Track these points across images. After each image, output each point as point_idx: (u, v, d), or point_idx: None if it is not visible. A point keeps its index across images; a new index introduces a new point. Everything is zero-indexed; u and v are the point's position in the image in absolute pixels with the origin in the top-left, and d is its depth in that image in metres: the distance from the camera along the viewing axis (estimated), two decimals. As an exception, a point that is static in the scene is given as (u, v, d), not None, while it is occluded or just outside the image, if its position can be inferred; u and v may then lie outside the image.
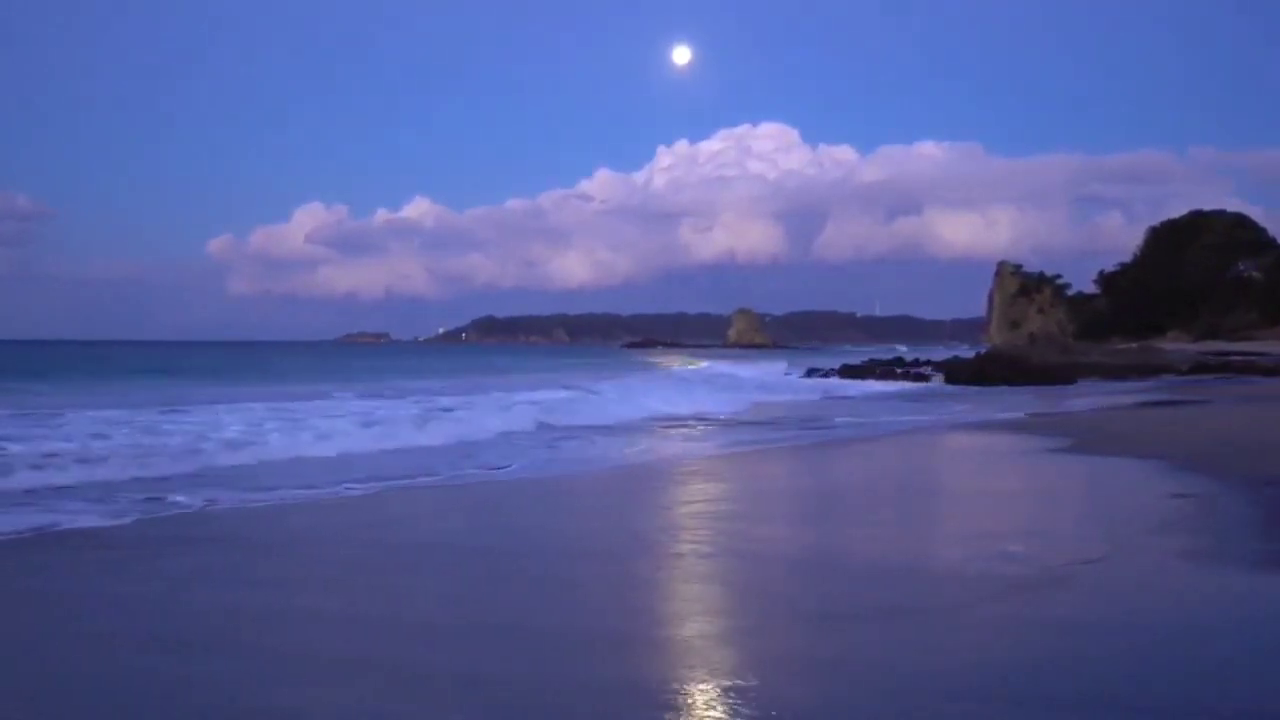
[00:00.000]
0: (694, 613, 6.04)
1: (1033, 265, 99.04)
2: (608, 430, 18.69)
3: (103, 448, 13.57)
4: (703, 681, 4.58)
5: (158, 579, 6.78)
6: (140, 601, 6.24)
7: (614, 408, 23.19)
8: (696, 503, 10.79)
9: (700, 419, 21.95)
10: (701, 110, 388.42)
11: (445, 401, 24.30)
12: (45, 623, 5.77)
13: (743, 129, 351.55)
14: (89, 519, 8.91)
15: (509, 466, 13.22)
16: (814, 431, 19.15)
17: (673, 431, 19.09)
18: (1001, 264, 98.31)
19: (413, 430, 17.27)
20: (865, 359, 55.67)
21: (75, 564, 7.33)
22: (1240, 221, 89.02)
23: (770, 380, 40.53)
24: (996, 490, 11.43)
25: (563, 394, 27.86)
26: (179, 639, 5.37)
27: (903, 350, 76.26)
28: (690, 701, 4.33)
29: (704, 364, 62.09)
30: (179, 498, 10.06)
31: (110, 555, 7.64)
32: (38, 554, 7.67)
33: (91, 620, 5.85)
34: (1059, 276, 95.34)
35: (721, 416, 22.86)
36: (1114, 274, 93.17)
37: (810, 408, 26.57)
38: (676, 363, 67.20)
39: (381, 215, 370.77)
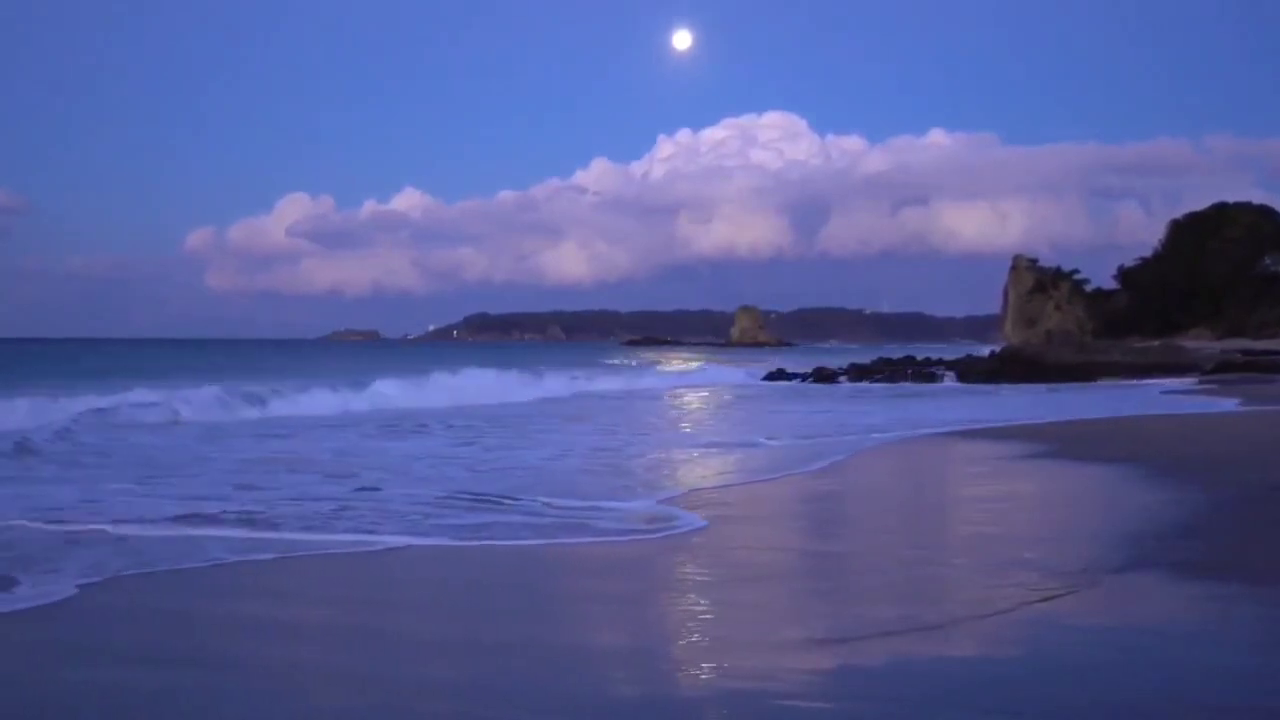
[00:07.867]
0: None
1: (1048, 259, 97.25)
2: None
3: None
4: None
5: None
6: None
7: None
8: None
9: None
10: (706, 99, 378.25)
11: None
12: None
13: (747, 118, 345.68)
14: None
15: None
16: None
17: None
18: (1017, 258, 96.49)
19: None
20: (876, 358, 54.05)
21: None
22: (1265, 214, 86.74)
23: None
24: (1000, 498, 11.40)
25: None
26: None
27: (914, 348, 74.44)
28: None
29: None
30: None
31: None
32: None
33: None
34: (1076, 271, 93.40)
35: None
36: (1134, 269, 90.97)
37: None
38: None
39: (369, 207, 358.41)
